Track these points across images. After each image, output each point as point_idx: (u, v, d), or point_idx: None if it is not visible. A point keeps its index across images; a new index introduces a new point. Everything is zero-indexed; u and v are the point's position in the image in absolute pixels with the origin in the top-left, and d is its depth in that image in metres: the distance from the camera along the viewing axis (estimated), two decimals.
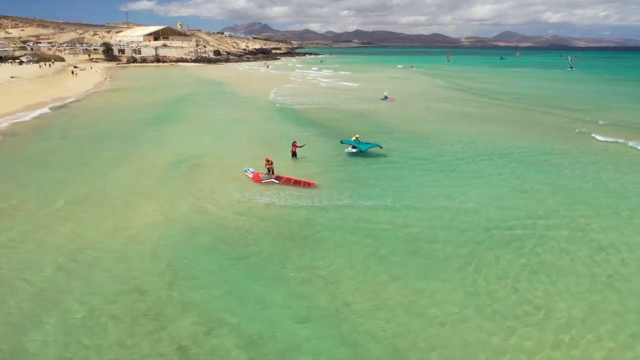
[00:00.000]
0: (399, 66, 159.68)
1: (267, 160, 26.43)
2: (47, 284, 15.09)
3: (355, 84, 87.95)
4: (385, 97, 62.53)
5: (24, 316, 13.39)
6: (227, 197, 23.25)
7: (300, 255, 17.09)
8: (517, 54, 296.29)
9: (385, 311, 13.75)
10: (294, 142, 31.20)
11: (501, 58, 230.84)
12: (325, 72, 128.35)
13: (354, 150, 31.86)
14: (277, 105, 58.08)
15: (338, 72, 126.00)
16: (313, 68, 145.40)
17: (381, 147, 32.24)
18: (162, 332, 12.71)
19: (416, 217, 20.74)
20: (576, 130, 40.84)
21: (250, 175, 26.25)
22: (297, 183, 25.21)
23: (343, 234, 18.82)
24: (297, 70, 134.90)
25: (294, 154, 30.75)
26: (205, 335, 12.65)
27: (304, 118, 47.58)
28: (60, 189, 24.31)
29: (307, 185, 24.96)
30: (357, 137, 32.57)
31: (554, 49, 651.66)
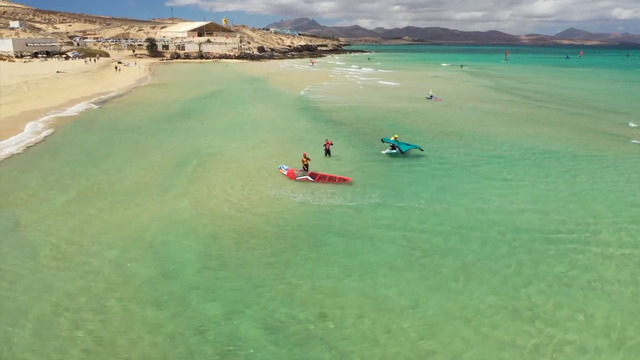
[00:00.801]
0: (443, 64, 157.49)
1: (305, 156, 27.23)
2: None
3: (394, 83, 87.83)
4: (431, 97, 62.19)
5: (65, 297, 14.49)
6: (260, 194, 24.08)
7: (331, 256, 17.56)
8: (580, 52, 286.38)
9: (422, 313, 14.03)
10: (327, 140, 32.26)
11: (567, 57, 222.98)
12: (365, 69, 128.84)
13: (394, 150, 32.14)
14: (314, 102, 59.18)
15: (378, 71, 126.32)
16: (353, 66, 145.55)
17: (422, 150, 32.16)
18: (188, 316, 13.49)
19: (452, 220, 20.83)
20: (628, 137, 39.34)
21: (285, 172, 27.05)
22: (332, 179, 25.94)
23: (378, 236, 19.09)
24: (336, 68, 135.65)
25: (327, 152, 31.48)
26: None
27: (340, 116, 48.16)
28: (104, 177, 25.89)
29: (342, 181, 25.69)
30: (396, 137, 32.81)
31: (624, 47, 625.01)
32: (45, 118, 43.56)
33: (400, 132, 38.02)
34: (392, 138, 32.71)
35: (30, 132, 37.41)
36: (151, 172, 27.58)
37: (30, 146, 33.68)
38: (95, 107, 53.29)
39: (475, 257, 17.36)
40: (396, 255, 17.47)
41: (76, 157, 30.96)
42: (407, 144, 32.34)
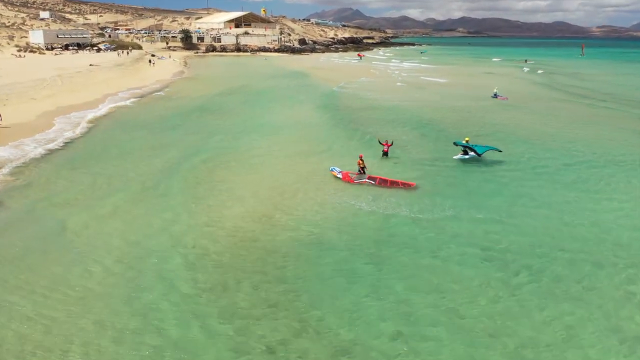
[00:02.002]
0: (494, 59, 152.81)
1: (361, 158, 27.20)
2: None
3: (442, 80, 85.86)
4: (495, 95, 60.79)
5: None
6: (313, 196, 24.11)
7: (399, 271, 17.19)
8: None
9: (510, 335, 13.46)
10: (385, 141, 32.00)
11: None
12: (407, 64, 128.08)
13: (466, 156, 31.17)
14: (366, 100, 59.00)
15: (421, 65, 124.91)
16: (405, 61, 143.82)
17: (500, 151, 31.24)
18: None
19: (541, 236, 19.96)
20: None
21: (339, 175, 26.93)
22: (394, 184, 25.64)
23: (454, 255, 18.44)
24: (387, 63, 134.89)
25: (385, 154, 31.32)
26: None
27: (397, 116, 47.66)
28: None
29: (406, 186, 25.37)
30: (467, 140, 31.90)
31: None
32: (80, 114, 44.81)
33: (468, 134, 37.13)
34: (464, 141, 31.81)
35: (68, 128, 38.59)
36: (192, 175, 27.79)
37: (69, 142, 34.72)
38: (133, 101, 54.93)
39: (578, 280, 16.51)
40: (479, 278, 16.79)
41: (123, 156, 31.94)
42: (483, 146, 31.53)
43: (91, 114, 45.10)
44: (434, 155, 32.75)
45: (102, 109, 48.30)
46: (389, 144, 31.69)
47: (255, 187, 25.52)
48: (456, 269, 17.32)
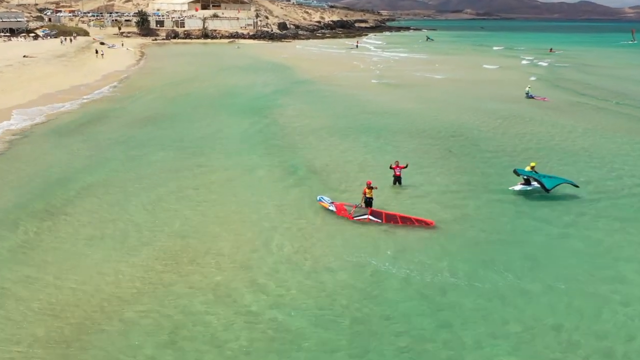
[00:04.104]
0: (495, 48, 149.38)
1: (368, 185, 25.05)
2: None
3: (438, 76, 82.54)
4: (530, 96, 58.85)
5: None
6: (301, 250, 22.09)
7: None
8: None
9: None
10: (396, 162, 29.05)
11: None
12: (416, 55, 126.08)
13: (529, 187, 27.99)
14: (378, 103, 57.03)
15: (431, 57, 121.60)
16: (412, 51, 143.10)
17: (576, 187, 27.71)
18: None
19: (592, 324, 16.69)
20: None
21: (331, 208, 25.28)
22: (406, 221, 23.82)
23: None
24: (394, 50, 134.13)
25: (397, 180, 28.96)
26: None
27: (414, 126, 45.33)
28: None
29: (423, 224, 23.58)
30: (532, 167, 28.31)
31: None
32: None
33: (519, 153, 35.31)
34: (528, 168, 28.35)
35: None
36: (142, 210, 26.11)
37: None
38: (75, 105, 53.26)
39: None
40: None
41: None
42: (553, 177, 28.00)
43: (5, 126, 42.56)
44: (470, 183, 29.97)
45: (37, 119, 46.20)
46: (402, 166, 28.80)
47: (217, 235, 23.42)
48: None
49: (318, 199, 26.32)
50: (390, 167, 28.96)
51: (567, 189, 27.81)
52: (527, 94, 58.72)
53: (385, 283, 18.87)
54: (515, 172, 28.51)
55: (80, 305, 17.16)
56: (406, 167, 28.97)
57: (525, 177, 28.05)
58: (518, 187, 28.18)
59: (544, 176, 27.78)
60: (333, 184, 29.66)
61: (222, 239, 22.44)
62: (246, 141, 39.34)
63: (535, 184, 27.72)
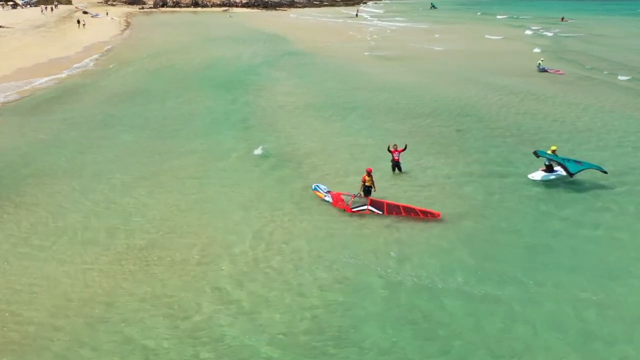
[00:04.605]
0: (498, 17, 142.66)
1: (369, 173, 23.33)
2: None
3: (438, 47, 78.59)
4: (543, 69, 56.53)
5: None
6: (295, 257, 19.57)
7: None
8: None
9: None
10: (395, 145, 26.81)
11: None
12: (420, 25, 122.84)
13: (551, 175, 25.66)
14: (377, 75, 54.93)
15: (412, 24, 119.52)
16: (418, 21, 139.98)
17: (605, 172, 25.25)
18: None
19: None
20: None
21: (327, 198, 23.63)
22: (410, 212, 22.12)
23: None
24: (398, 18, 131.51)
25: (396, 165, 26.89)
26: None
27: (410, 99, 43.54)
28: None
29: (429, 216, 21.91)
30: (554, 150, 26.05)
31: None
32: None
33: (523, 133, 32.96)
34: (549, 151, 26.03)
35: None
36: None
37: None
38: (52, 81, 51.77)
39: None
40: None
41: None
42: (579, 162, 25.41)
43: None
44: (480, 169, 27.54)
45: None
46: (401, 149, 26.68)
47: (181, 228, 21.80)
48: None
49: (313, 187, 24.72)
50: (389, 151, 26.77)
51: (594, 176, 25.39)
52: (538, 66, 56.12)
53: (392, 301, 16.52)
54: (536, 154, 25.95)
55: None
56: (405, 148, 26.74)
57: (547, 161, 25.60)
58: (538, 174, 25.76)
59: (568, 160, 25.30)
60: (320, 172, 27.42)
61: (187, 235, 20.93)
62: (224, 121, 37.64)
63: (559, 170, 25.33)
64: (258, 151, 30.14)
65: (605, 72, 55.50)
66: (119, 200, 24.03)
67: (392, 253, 19.22)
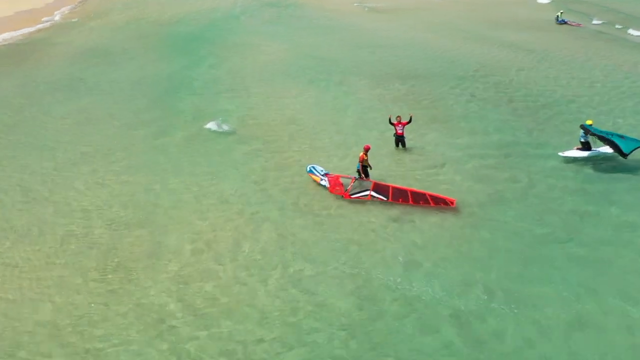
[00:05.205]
0: None
1: (366, 151, 20.62)
2: None
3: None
4: (562, 21, 52.68)
5: None
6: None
7: None
8: None
9: None
10: (398, 117, 23.74)
11: None
12: None
13: (585, 154, 21.76)
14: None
15: None
16: None
17: None
18: None
19: None
20: None
21: (324, 183, 21.04)
22: (420, 200, 19.53)
23: None
24: None
25: (399, 140, 23.78)
26: None
27: (409, 57, 38.93)
28: None
29: (441, 204, 19.30)
30: (591, 123, 21.98)
31: None
32: None
33: (547, 99, 28.34)
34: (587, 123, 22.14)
35: None
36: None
37: None
38: (15, 37, 49.99)
39: None
40: None
41: None
42: (627, 138, 20.97)
43: None
44: (500, 143, 23.61)
45: None
46: (404, 121, 23.55)
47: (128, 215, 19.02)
48: None
49: (308, 169, 21.92)
50: (391, 123, 23.63)
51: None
52: (557, 18, 52.83)
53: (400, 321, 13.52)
54: (583, 127, 21.63)
55: None
56: (410, 121, 23.61)
57: (592, 138, 21.29)
58: (573, 152, 21.91)
59: (618, 136, 20.98)
60: (294, 149, 24.17)
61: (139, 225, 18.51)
62: (189, 85, 34.29)
63: (601, 149, 21.49)
64: (212, 125, 26.65)
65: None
66: (62, 180, 21.95)
67: (399, 258, 16.12)
